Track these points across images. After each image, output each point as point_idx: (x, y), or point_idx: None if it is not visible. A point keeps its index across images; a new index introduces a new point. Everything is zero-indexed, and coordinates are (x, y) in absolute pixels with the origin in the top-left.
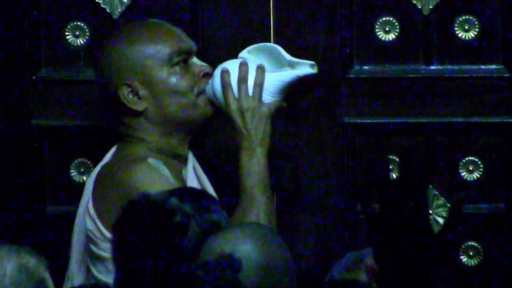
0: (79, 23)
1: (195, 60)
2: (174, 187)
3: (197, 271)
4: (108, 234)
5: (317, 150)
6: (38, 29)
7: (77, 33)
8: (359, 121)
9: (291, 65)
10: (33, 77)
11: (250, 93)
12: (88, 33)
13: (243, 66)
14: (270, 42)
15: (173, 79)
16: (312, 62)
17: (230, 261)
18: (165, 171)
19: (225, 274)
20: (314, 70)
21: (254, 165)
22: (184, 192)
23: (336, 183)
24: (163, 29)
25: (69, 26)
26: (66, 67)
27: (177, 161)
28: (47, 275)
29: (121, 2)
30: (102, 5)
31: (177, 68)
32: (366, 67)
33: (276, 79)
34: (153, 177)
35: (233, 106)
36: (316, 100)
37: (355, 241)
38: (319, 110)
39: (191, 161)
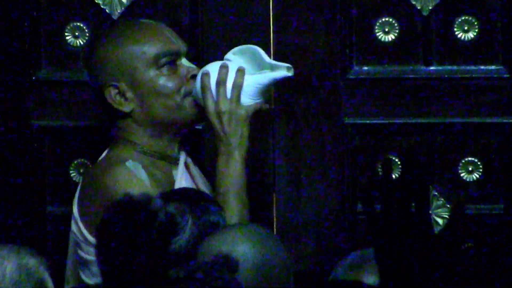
0: (78, 24)
1: (183, 61)
2: (152, 191)
3: (194, 273)
4: (89, 236)
5: (317, 150)
6: (38, 29)
7: (76, 33)
8: (358, 121)
9: (271, 67)
10: (33, 77)
11: (229, 95)
12: (87, 34)
13: (223, 68)
14: (270, 42)
15: (160, 81)
16: (289, 65)
17: (227, 262)
18: (143, 175)
19: (223, 275)
20: (290, 73)
21: (230, 168)
22: (181, 193)
23: (336, 183)
24: (151, 30)
25: (69, 27)
26: (66, 67)
27: (166, 162)
28: (47, 276)
29: (121, 3)
30: (102, 6)
31: (164, 70)
32: (365, 68)
33: (254, 81)
34: (129, 181)
35: (211, 108)
36: (316, 101)
37: (355, 241)
38: (319, 110)
39: (183, 162)
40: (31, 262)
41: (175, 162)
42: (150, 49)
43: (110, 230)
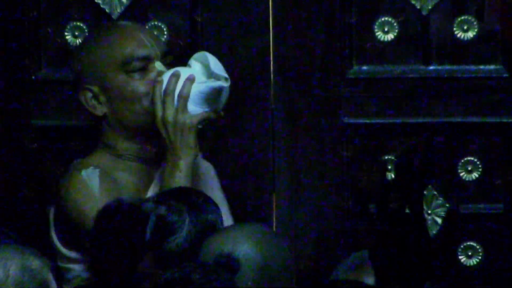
0: (78, 23)
1: (156, 65)
2: (99, 200)
3: (190, 274)
4: (56, 240)
5: (316, 150)
6: (38, 29)
7: (76, 33)
8: (358, 121)
9: (215, 76)
10: (33, 77)
11: (176, 104)
12: (87, 34)
13: (173, 77)
14: (269, 42)
15: (128, 86)
16: (226, 76)
17: (229, 261)
18: (94, 184)
19: (220, 276)
20: (224, 84)
21: (175, 178)
22: (179, 192)
23: (336, 183)
24: (123, 34)
25: (68, 26)
26: (66, 67)
27: (145, 164)
28: (50, 277)
29: (121, 2)
30: (101, 6)
31: (134, 74)
32: (365, 67)
33: (198, 90)
34: (78, 190)
35: (158, 117)
36: (315, 100)
37: (355, 241)
38: (318, 110)
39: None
40: (35, 263)
41: (156, 164)
42: (120, 53)
43: (102, 235)
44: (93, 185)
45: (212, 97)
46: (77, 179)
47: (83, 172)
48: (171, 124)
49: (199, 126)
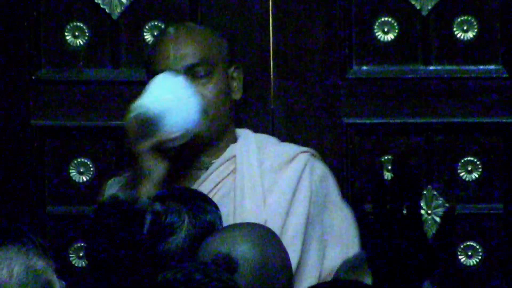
0: (78, 24)
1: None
2: None
3: (193, 274)
4: None
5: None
6: (38, 29)
7: (76, 33)
8: (358, 121)
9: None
10: (33, 77)
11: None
12: (87, 34)
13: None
14: (269, 42)
15: None
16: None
17: (226, 262)
18: (110, 192)
19: (222, 276)
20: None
21: None
22: (178, 193)
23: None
24: (158, 44)
25: (68, 27)
26: (66, 67)
27: (195, 170)
28: (54, 278)
29: (121, 3)
30: (101, 6)
31: None
32: (365, 68)
33: None
34: (101, 194)
35: (127, 146)
36: (315, 100)
37: None
38: (318, 110)
39: (216, 169)
40: (39, 263)
41: (203, 168)
42: (151, 65)
43: (97, 232)
44: (108, 194)
45: (142, 125)
46: (102, 187)
47: (109, 182)
48: (129, 152)
49: (157, 151)
